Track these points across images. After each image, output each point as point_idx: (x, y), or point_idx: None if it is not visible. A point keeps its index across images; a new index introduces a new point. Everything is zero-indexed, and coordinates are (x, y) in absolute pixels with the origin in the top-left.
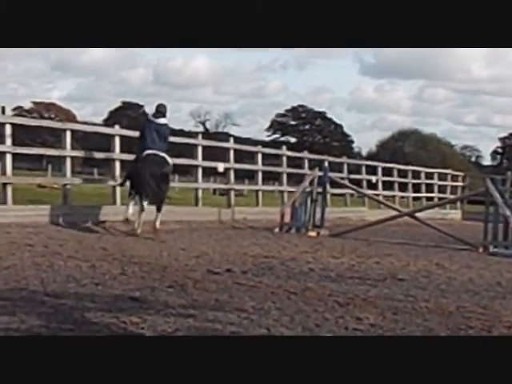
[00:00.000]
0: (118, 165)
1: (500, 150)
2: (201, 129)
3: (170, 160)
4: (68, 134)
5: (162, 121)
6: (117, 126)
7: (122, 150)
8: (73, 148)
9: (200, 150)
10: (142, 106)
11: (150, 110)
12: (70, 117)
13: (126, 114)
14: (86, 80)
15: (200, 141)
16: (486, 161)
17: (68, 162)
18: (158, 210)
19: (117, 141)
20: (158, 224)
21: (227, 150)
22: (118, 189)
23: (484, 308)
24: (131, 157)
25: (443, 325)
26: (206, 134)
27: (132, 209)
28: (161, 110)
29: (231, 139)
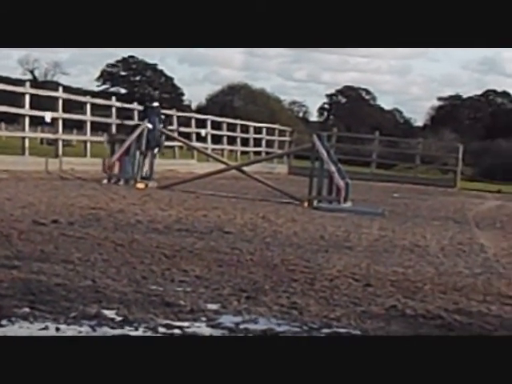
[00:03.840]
0: None
1: (327, 107)
2: (29, 77)
3: (150, 126)
4: None
5: (154, 104)
6: None
7: None
8: None
9: (27, 98)
10: None
11: None
12: None
13: None
14: None
15: (27, 89)
16: (313, 117)
17: None
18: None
19: None
20: None
21: (56, 99)
22: None
23: (307, 261)
24: None
25: (268, 277)
26: (34, 83)
27: None
28: (153, 100)
29: (60, 88)
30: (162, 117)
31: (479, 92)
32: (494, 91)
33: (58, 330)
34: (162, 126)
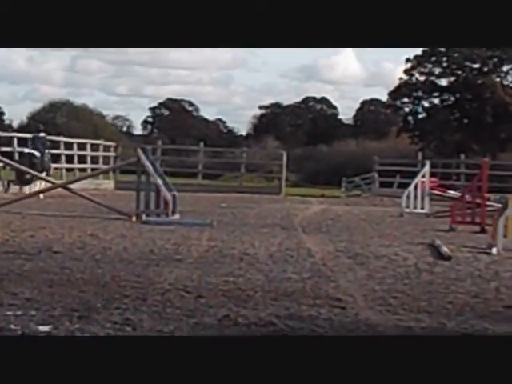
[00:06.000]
0: None
1: (151, 120)
2: None
3: (38, 154)
4: None
5: (41, 135)
6: None
7: None
8: None
9: None
10: None
11: None
12: None
13: None
14: None
15: None
16: (137, 130)
17: None
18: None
19: None
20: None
21: None
22: None
23: (138, 276)
24: None
25: (99, 295)
26: None
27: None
28: (40, 130)
29: None
30: (48, 144)
31: (299, 99)
32: (314, 98)
33: None
34: (47, 152)
